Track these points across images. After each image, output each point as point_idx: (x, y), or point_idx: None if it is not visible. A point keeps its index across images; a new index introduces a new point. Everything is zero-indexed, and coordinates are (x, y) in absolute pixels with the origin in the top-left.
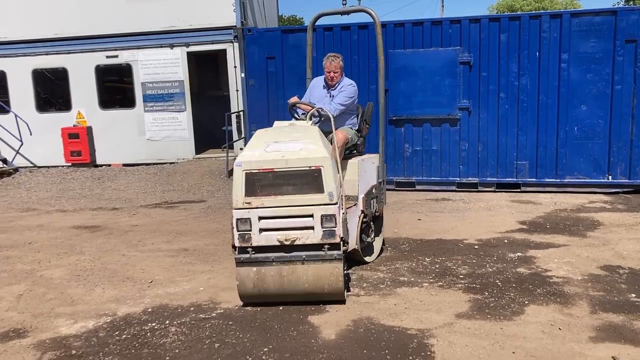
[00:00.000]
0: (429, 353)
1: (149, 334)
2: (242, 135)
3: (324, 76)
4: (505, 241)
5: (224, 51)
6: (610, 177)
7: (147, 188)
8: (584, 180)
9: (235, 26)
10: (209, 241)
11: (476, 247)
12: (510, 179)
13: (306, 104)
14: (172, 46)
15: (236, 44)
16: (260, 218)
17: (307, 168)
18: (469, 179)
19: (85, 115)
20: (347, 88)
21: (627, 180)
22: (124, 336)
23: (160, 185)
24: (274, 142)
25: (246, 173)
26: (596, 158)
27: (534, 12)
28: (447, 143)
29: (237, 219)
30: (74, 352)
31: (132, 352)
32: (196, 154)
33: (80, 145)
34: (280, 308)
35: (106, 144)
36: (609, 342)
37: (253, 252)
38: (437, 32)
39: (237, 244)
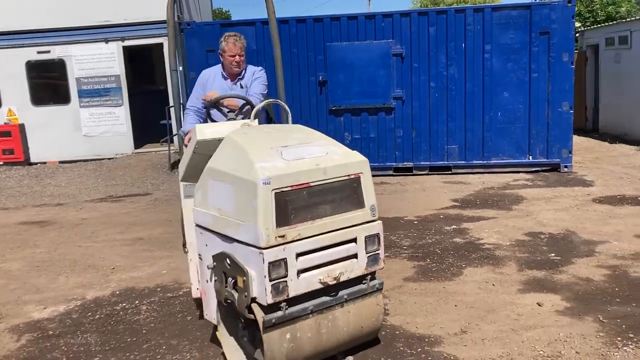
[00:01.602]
0: (383, 310)
1: (121, 313)
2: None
3: (217, 67)
4: (441, 216)
5: (161, 45)
6: (530, 157)
7: (89, 184)
8: (507, 161)
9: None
10: (163, 230)
11: (415, 222)
12: (442, 162)
13: (237, 96)
14: (106, 41)
15: None
16: (298, 255)
17: (347, 177)
18: (405, 163)
19: (16, 112)
20: (262, 74)
21: (545, 160)
22: (98, 316)
23: (103, 181)
24: (282, 146)
25: (276, 193)
26: (518, 140)
27: (459, 6)
28: (383, 131)
29: (270, 264)
30: (50, 332)
31: (109, 329)
32: (135, 148)
33: (12, 143)
34: None
35: (41, 141)
36: (534, 292)
37: (287, 306)
38: (370, 26)
39: (269, 300)
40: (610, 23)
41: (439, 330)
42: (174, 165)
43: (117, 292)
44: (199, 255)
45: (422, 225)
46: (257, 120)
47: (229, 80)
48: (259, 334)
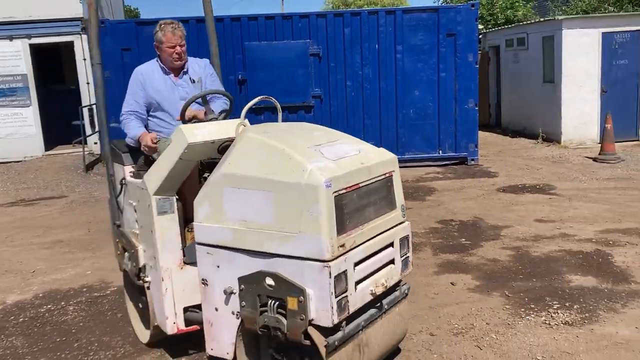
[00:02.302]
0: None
1: (47, 315)
2: (96, 129)
3: (152, 63)
4: None
5: (71, 43)
6: (440, 151)
7: None
8: (420, 155)
9: (83, 17)
10: (82, 232)
11: None
12: None
13: (218, 92)
14: (11, 38)
15: (84, 36)
16: (355, 265)
17: (383, 177)
18: None
19: None
20: (211, 68)
21: (454, 154)
22: (22, 319)
23: (12, 184)
24: (316, 145)
25: (335, 197)
26: (429, 136)
27: (372, 8)
28: None
29: (336, 277)
30: None
31: (35, 331)
32: (46, 150)
33: None
34: None
35: None
36: (448, 273)
37: (345, 324)
38: (288, 26)
39: (335, 320)
40: (509, 26)
41: None
42: (89, 167)
43: (40, 295)
44: (204, 280)
45: None
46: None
47: (172, 75)
48: None
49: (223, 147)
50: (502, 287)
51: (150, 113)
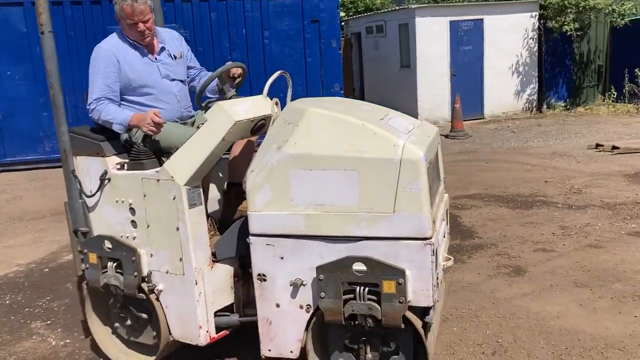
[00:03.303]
0: None
1: None
2: None
3: (114, 39)
4: None
5: None
6: None
7: None
8: None
9: None
10: None
11: None
12: None
13: (236, 65)
14: None
15: None
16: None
17: (437, 149)
18: None
19: None
20: (186, 44)
21: None
22: None
23: None
24: (380, 119)
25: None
26: None
27: None
28: None
29: (434, 255)
30: None
31: None
32: None
33: None
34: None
35: None
36: None
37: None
38: None
39: (435, 299)
40: (368, 14)
41: None
42: None
43: None
44: (261, 275)
45: None
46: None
47: (145, 51)
48: (398, 346)
49: (258, 126)
50: None
51: (125, 97)
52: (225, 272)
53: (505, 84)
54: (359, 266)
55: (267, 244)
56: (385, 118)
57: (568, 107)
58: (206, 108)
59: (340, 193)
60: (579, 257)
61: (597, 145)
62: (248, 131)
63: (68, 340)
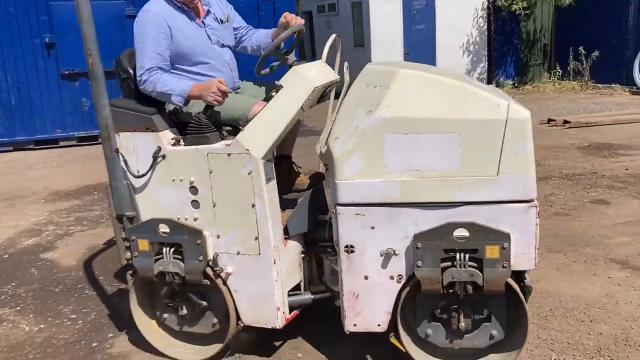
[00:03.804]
0: None
1: None
2: None
3: (159, 2)
4: None
5: None
6: None
7: None
8: None
9: None
10: None
11: None
12: None
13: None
14: None
15: None
16: None
17: None
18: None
19: None
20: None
21: None
22: None
23: None
24: (465, 81)
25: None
26: None
27: None
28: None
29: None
30: None
31: None
32: None
33: None
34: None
35: None
36: None
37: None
38: None
39: (537, 261)
40: None
41: None
42: None
43: None
44: (349, 247)
45: None
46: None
47: (192, 14)
48: (496, 311)
49: (326, 92)
50: None
51: (176, 67)
52: (295, 249)
53: (456, 63)
54: (460, 232)
55: (356, 214)
56: (467, 80)
57: (516, 84)
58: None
59: (439, 157)
60: (548, 224)
61: (549, 120)
62: (316, 99)
63: (42, 326)
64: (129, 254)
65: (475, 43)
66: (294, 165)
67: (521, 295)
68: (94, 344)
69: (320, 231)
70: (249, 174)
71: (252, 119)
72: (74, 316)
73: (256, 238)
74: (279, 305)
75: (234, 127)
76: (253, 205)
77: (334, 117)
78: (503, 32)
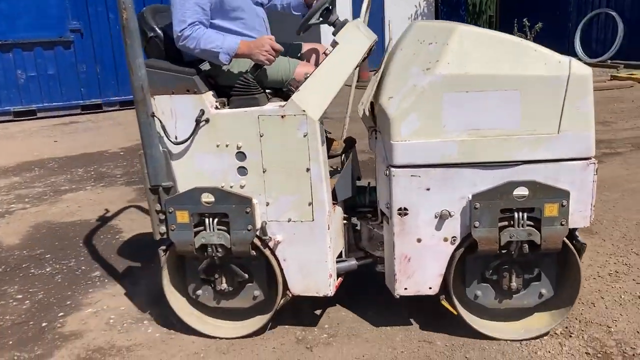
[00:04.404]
0: (117, 229)
1: None
2: None
3: None
4: None
5: None
6: None
7: None
8: None
9: None
10: None
11: (122, 153)
12: (131, 97)
13: None
14: None
15: None
16: None
17: None
18: (93, 100)
19: None
20: None
21: None
22: None
23: None
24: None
25: None
26: None
27: None
28: (64, 67)
29: (596, 176)
30: None
31: None
32: None
33: None
34: None
35: None
36: None
37: None
38: None
39: (592, 218)
40: None
41: None
42: None
43: None
44: (402, 210)
45: (130, 155)
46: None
47: None
48: (552, 270)
49: (369, 52)
50: None
51: (212, 22)
52: (340, 215)
53: None
54: (520, 191)
55: (411, 176)
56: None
57: None
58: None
59: (499, 115)
60: None
61: None
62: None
63: None
64: (163, 228)
65: (423, 14)
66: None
67: (578, 254)
68: (44, 324)
69: (361, 196)
70: (305, 136)
71: (296, 80)
72: (20, 296)
73: (310, 204)
74: (331, 272)
75: (275, 89)
76: (308, 170)
77: (378, 77)
78: (450, 3)
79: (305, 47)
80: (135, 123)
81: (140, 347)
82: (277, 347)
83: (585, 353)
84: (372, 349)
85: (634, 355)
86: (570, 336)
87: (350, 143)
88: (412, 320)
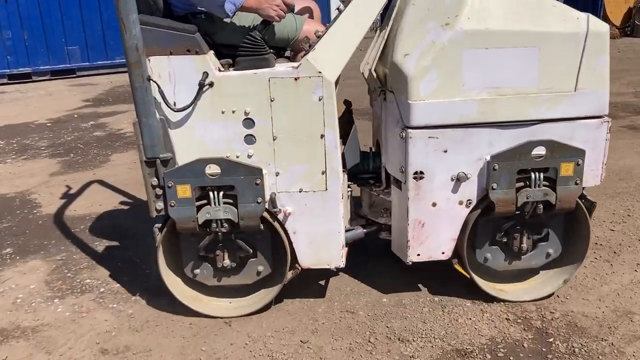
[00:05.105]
0: (35, 203)
1: None
2: None
3: None
4: (76, 116)
5: None
6: None
7: None
8: None
9: None
10: None
11: (49, 125)
12: (64, 66)
13: None
14: None
15: None
16: None
17: None
18: (21, 69)
19: None
20: None
21: None
22: None
23: None
24: None
25: None
26: None
27: None
28: None
29: (609, 134)
30: None
31: None
32: None
33: None
34: None
35: None
36: None
37: None
38: None
39: (603, 176)
40: None
41: None
42: None
43: None
44: (418, 173)
45: (57, 126)
46: None
47: None
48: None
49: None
50: None
51: None
52: (346, 182)
53: None
54: (538, 151)
55: (429, 137)
56: None
57: None
58: None
59: (518, 73)
60: None
61: None
62: None
63: None
64: (161, 204)
65: None
66: None
67: (587, 213)
68: None
69: (364, 162)
70: (320, 99)
71: (301, 38)
72: None
73: (323, 172)
74: (343, 242)
75: (277, 48)
76: (322, 136)
77: (385, 34)
78: None
79: (299, 3)
80: (67, 94)
81: (48, 328)
82: (194, 322)
83: (506, 319)
84: (293, 321)
85: (552, 319)
86: (492, 302)
87: (348, 106)
88: (334, 292)
